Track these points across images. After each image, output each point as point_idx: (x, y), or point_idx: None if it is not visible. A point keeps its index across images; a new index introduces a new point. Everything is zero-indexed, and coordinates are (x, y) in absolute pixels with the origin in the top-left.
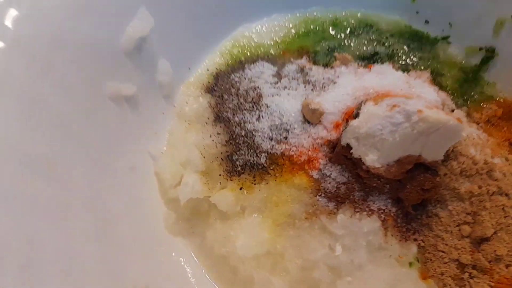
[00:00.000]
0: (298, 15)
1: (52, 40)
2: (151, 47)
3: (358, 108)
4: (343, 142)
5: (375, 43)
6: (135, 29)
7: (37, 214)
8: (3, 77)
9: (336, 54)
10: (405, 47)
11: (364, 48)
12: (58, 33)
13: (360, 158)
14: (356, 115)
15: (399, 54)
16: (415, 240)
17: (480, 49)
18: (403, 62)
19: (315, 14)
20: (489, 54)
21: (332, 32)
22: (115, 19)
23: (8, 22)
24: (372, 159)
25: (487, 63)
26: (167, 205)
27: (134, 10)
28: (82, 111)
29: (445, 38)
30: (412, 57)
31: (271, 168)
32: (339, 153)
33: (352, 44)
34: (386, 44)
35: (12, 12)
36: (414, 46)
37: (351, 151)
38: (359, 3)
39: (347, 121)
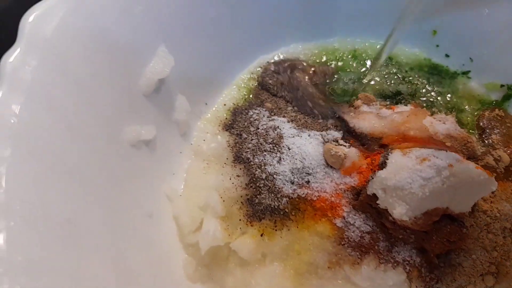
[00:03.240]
0: (316, 45)
1: (69, 87)
2: (170, 85)
3: (385, 156)
4: (369, 191)
5: (395, 77)
6: (155, 71)
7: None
8: (22, 135)
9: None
10: (424, 81)
11: (385, 82)
12: (76, 79)
13: (387, 209)
14: (383, 164)
15: (421, 90)
16: None
17: (502, 86)
18: (424, 98)
19: (335, 45)
20: (511, 92)
21: (353, 64)
22: (135, 60)
23: (23, 74)
24: (400, 212)
25: (509, 100)
26: (186, 250)
27: (154, 49)
28: (102, 163)
29: (465, 73)
30: (432, 93)
31: (293, 213)
32: (364, 201)
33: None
34: (406, 79)
35: (27, 62)
36: (434, 80)
37: (377, 201)
38: (378, 35)
39: (372, 170)
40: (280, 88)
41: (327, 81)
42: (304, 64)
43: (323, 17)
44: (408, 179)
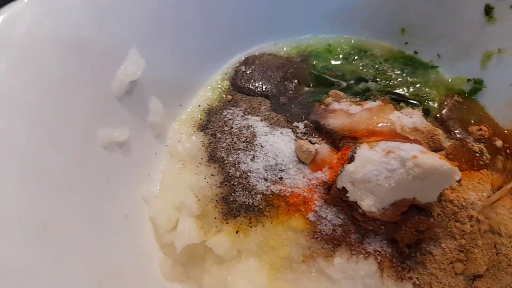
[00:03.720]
0: (289, 42)
1: (40, 90)
2: (142, 87)
3: (353, 151)
4: (339, 185)
5: (370, 69)
6: (126, 73)
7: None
8: None
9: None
10: (398, 71)
11: (361, 69)
12: (47, 82)
13: (356, 202)
14: (351, 158)
15: (395, 81)
16: (410, 278)
17: (469, 80)
18: (399, 89)
19: (309, 41)
20: (477, 86)
21: (328, 57)
22: (106, 63)
23: None
24: (368, 204)
25: (476, 94)
26: (163, 250)
27: (125, 52)
28: (76, 165)
29: (434, 67)
30: (405, 84)
31: (267, 210)
32: (335, 195)
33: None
34: (381, 70)
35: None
36: (408, 71)
37: (347, 195)
38: (352, 31)
39: (342, 164)
40: (253, 88)
41: (303, 66)
42: (276, 55)
43: (296, 15)
44: (375, 171)
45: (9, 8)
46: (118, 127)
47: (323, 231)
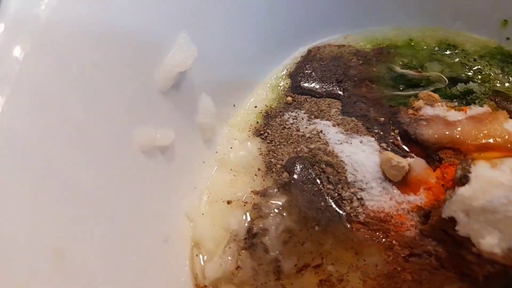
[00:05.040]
0: (364, 34)
1: (67, 80)
2: (192, 81)
3: (465, 169)
4: (445, 214)
5: (463, 68)
6: (175, 62)
7: None
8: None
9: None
10: (498, 70)
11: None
12: (76, 70)
13: (469, 237)
14: (463, 179)
15: (491, 82)
16: None
17: None
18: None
19: (386, 34)
20: None
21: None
22: (150, 50)
23: (10, 64)
24: (490, 242)
25: None
26: None
27: (174, 36)
28: (106, 174)
29: None
30: (507, 84)
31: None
32: (436, 226)
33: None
34: (475, 69)
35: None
36: (509, 70)
37: (455, 227)
38: (439, 22)
39: (444, 186)
40: (318, 88)
41: (380, 62)
42: (346, 49)
43: (371, 1)
44: (503, 199)
45: None
46: (161, 128)
47: (416, 271)
